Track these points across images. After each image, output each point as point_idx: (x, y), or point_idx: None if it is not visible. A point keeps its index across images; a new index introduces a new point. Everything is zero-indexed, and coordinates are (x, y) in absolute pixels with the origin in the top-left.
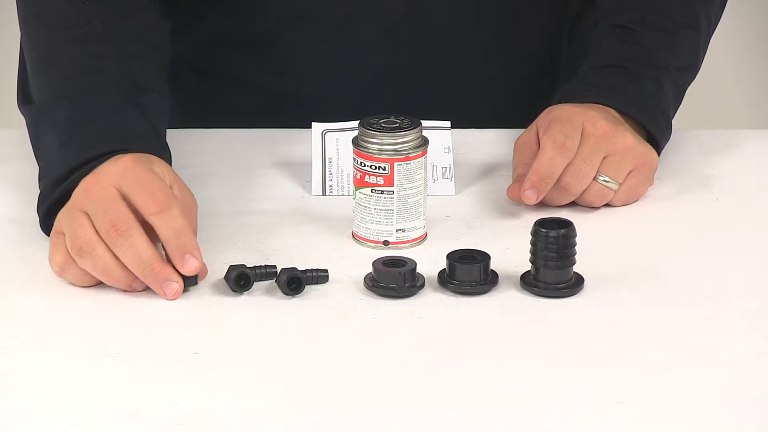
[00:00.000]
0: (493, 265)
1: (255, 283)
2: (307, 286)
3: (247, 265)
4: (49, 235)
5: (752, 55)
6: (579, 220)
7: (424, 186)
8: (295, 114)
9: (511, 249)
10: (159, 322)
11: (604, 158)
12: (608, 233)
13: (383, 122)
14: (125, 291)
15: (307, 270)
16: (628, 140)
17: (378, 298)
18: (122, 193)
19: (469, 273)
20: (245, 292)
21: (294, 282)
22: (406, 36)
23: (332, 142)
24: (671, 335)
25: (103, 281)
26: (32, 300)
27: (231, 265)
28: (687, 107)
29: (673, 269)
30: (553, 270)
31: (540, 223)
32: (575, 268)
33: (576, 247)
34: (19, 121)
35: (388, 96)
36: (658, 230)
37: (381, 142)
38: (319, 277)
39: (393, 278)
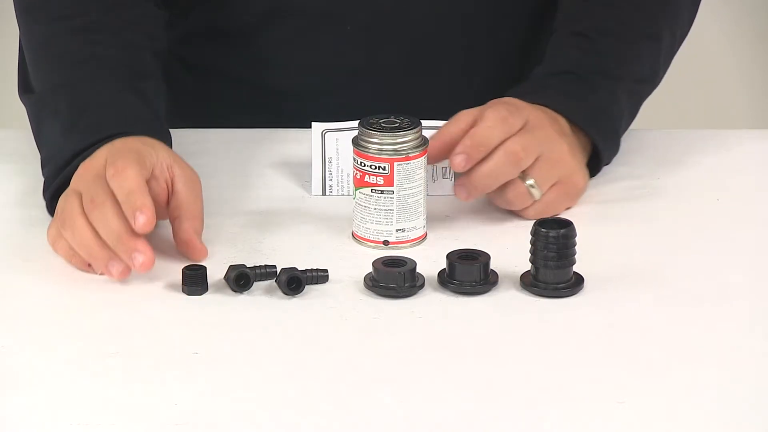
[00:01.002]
0: (493, 265)
1: (255, 283)
2: (307, 286)
3: (247, 265)
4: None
5: (752, 55)
6: (579, 220)
7: (424, 186)
8: (279, 110)
9: (511, 249)
10: (159, 322)
11: (536, 159)
12: (608, 233)
13: (383, 122)
14: (103, 275)
15: (307, 270)
16: (564, 152)
17: (378, 298)
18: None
19: (469, 273)
20: (245, 292)
21: (294, 282)
22: (389, 31)
23: (332, 142)
24: (671, 335)
25: (80, 254)
26: (32, 300)
27: (231, 265)
28: (687, 107)
29: (673, 269)
30: (553, 270)
31: (540, 223)
32: (575, 268)
33: (576, 247)
34: (19, 121)
35: (376, 92)
36: (658, 230)
37: (381, 142)
38: (319, 277)
39: (393, 278)
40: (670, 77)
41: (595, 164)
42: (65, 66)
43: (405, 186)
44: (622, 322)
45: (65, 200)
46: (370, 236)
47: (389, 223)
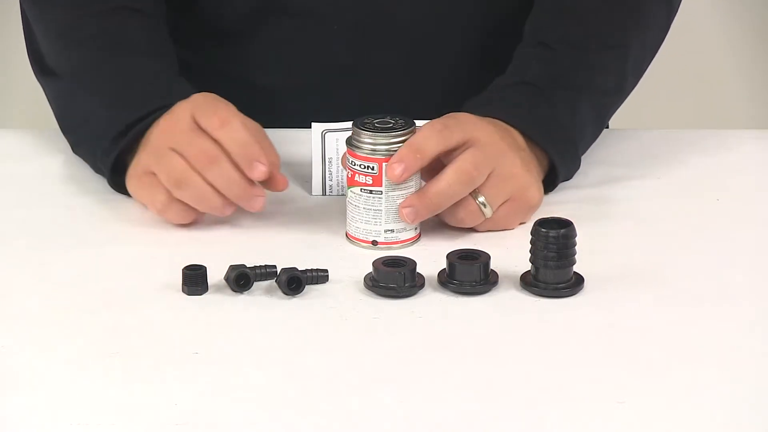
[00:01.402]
0: (493, 265)
1: (255, 283)
2: (307, 286)
3: (247, 265)
4: (118, 190)
5: (752, 55)
6: (579, 220)
7: (416, 188)
8: (277, 110)
9: (511, 249)
10: (159, 322)
11: (488, 175)
12: (608, 233)
13: (377, 122)
14: (217, 215)
15: (307, 270)
16: (516, 166)
17: (378, 298)
18: (195, 120)
19: (469, 273)
20: (245, 292)
21: (294, 282)
22: (386, 32)
23: (332, 142)
24: (671, 335)
25: (199, 209)
26: (32, 300)
27: (231, 265)
28: (687, 107)
29: (673, 269)
30: (553, 270)
31: (540, 223)
32: (575, 268)
33: (576, 247)
34: (20, 121)
35: (375, 93)
36: (658, 230)
37: (373, 142)
38: (319, 277)
39: (393, 278)
40: (670, 77)
41: (551, 179)
42: (96, 47)
43: (394, 187)
44: (622, 322)
45: (165, 159)
46: (360, 235)
47: (378, 224)
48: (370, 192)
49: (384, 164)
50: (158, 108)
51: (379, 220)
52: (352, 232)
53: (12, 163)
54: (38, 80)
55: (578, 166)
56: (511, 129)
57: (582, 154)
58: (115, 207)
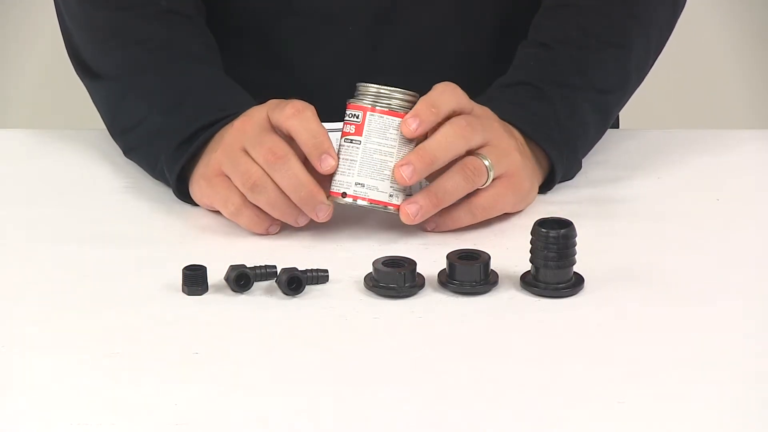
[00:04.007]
0: (493, 265)
1: (255, 283)
2: (307, 286)
3: (247, 265)
4: (182, 198)
5: (752, 55)
6: (579, 220)
7: (397, 152)
8: None
9: (511, 249)
10: (159, 322)
11: (484, 145)
12: (608, 233)
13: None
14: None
15: (307, 270)
16: (511, 147)
17: (378, 298)
18: (269, 117)
19: (469, 273)
20: (245, 292)
21: (294, 282)
22: (391, 33)
23: (333, 142)
24: (671, 335)
25: (272, 215)
26: (32, 300)
27: (231, 265)
28: (687, 107)
29: (673, 269)
30: (553, 270)
31: (540, 223)
32: (575, 268)
33: (576, 247)
34: (19, 121)
35: None
36: (658, 230)
37: (365, 91)
38: (319, 277)
39: (393, 278)
40: (671, 77)
41: (551, 179)
42: (146, 50)
43: (374, 139)
44: (622, 322)
45: (238, 161)
46: (333, 188)
47: (351, 175)
48: (351, 141)
49: (368, 114)
50: (224, 117)
51: (353, 171)
52: (330, 186)
53: (12, 163)
54: (83, 82)
55: (580, 167)
56: (511, 127)
57: (585, 153)
58: (115, 207)
